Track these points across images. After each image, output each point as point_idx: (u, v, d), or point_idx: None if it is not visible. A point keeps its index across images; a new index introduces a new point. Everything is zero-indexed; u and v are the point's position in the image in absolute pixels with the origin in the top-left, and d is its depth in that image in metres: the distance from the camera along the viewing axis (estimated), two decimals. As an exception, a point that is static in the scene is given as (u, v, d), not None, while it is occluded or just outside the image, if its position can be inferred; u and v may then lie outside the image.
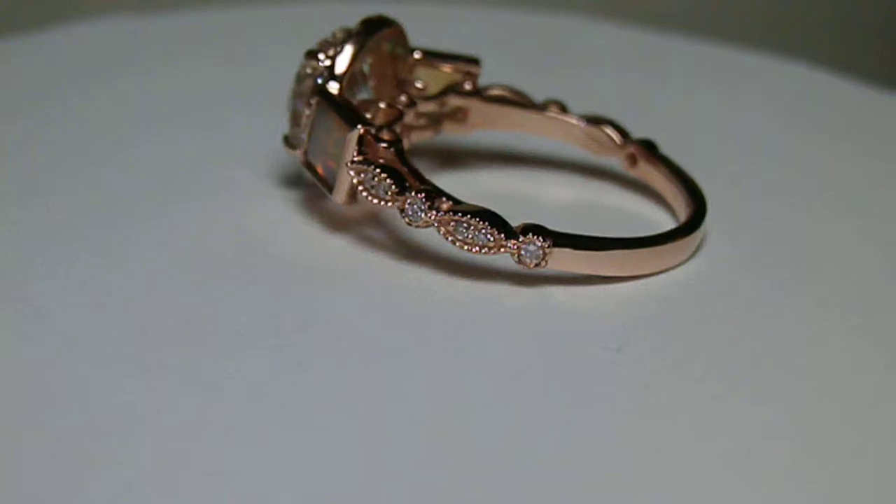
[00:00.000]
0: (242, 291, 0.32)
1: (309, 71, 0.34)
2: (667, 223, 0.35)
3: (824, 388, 0.29)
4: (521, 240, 0.31)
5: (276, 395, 0.29)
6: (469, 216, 0.31)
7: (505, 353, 0.30)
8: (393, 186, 0.32)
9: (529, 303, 0.32)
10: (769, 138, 0.40)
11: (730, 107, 0.42)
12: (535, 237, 0.31)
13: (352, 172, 0.32)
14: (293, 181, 0.36)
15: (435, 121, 0.37)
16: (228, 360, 0.29)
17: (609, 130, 0.37)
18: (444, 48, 0.37)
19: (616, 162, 0.37)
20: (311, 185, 0.35)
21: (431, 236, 0.33)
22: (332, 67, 0.34)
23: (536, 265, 0.32)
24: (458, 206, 0.32)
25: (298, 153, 0.34)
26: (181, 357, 0.29)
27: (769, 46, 0.50)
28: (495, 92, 0.37)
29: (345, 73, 0.34)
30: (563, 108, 0.38)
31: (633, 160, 0.37)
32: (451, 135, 0.38)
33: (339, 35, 0.35)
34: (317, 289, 0.32)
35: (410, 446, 0.28)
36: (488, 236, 0.31)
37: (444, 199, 0.32)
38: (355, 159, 0.32)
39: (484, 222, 0.31)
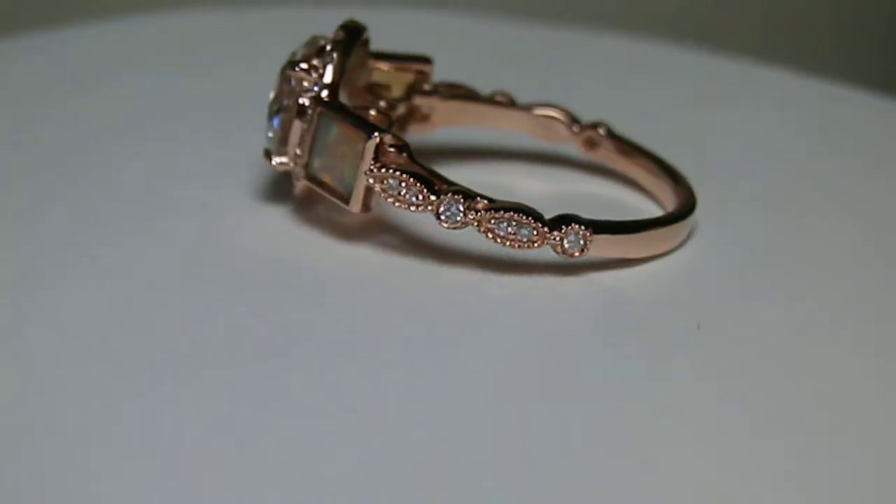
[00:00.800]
0: (261, 301, 0.31)
1: (293, 83, 0.33)
2: (641, 203, 0.36)
3: (823, 387, 0.30)
4: (563, 230, 0.31)
5: (332, 402, 0.28)
6: (511, 212, 0.31)
7: (582, 343, 0.31)
8: (425, 190, 0.31)
9: (583, 290, 0.32)
10: (764, 143, 0.41)
11: (725, 114, 0.43)
12: (577, 226, 0.31)
13: (371, 180, 0.32)
14: (276, 194, 0.35)
15: (402, 123, 0.37)
16: (256, 368, 0.29)
17: (562, 117, 0.38)
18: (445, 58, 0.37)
19: (572, 148, 0.38)
20: (297, 198, 0.34)
21: (453, 236, 0.33)
22: (323, 77, 0.33)
23: (580, 253, 0.31)
24: (494, 204, 0.31)
25: (293, 167, 0.33)
26: (198, 365, 0.28)
27: (766, 54, 0.51)
28: (450, 89, 0.38)
29: (339, 81, 0.33)
30: (512, 100, 0.38)
31: (591, 144, 0.38)
32: (416, 135, 0.37)
33: (316, 44, 0.34)
34: (351, 296, 0.31)
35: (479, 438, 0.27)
36: (532, 230, 0.31)
37: (478, 198, 0.31)
38: (373, 167, 0.31)
39: (528, 217, 0.31)
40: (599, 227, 0.32)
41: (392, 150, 0.32)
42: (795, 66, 0.48)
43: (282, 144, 0.33)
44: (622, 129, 0.37)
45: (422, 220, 0.33)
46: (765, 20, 0.72)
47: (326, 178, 0.33)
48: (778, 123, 0.42)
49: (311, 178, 0.33)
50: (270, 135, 0.34)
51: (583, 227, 0.31)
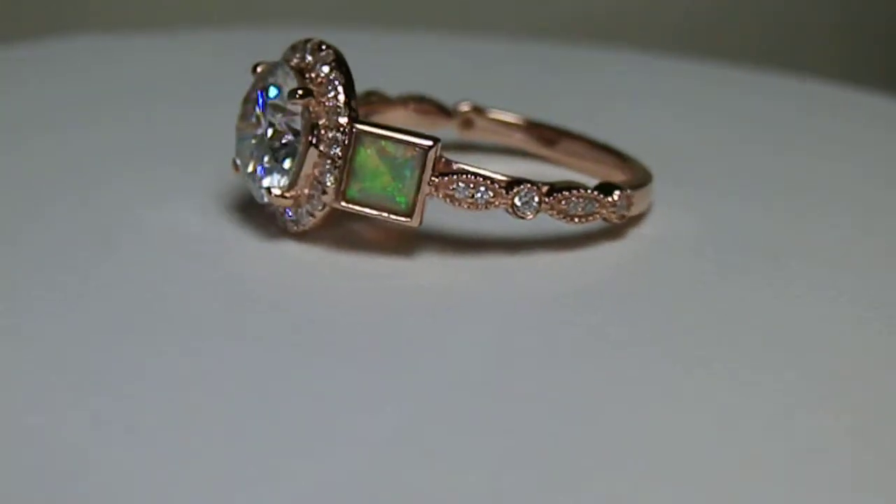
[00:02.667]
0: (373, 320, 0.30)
1: (299, 112, 0.32)
2: (577, 175, 0.38)
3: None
4: (615, 196, 0.33)
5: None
6: (579, 189, 0.32)
7: (693, 284, 0.33)
8: (496, 186, 0.32)
9: (642, 245, 0.34)
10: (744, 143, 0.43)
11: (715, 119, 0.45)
12: (625, 190, 0.33)
13: (433, 190, 0.32)
14: (269, 229, 0.34)
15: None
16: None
17: (435, 104, 0.40)
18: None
19: (449, 131, 0.40)
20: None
21: (484, 227, 0.34)
22: (338, 98, 0.32)
23: (627, 214, 0.33)
24: (554, 185, 0.32)
25: (311, 200, 0.32)
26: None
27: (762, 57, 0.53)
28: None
29: (356, 100, 0.32)
30: (386, 96, 0.39)
31: (467, 125, 0.40)
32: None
33: (294, 66, 0.33)
34: (465, 298, 0.32)
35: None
36: (595, 202, 0.32)
37: (540, 183, 0.32)
38: (434, 177, 0.31)
39: (593, 192, 0.33)
40: (631, 186, 0.34)
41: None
42: (793, 68, 0.51)
43: (293, 177, 0.32)
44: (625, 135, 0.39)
45: (439, 219, 0.33)
46: (763, 24, 0.73)
47: (371, 199, 0.32)
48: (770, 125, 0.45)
49: (352, 202, 0.32)
50: (268, 166, 0.33)
51: (627, 190, 0.33)
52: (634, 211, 0.34)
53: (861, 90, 0.49)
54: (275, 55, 0.34)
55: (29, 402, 0.27)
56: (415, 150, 0.32)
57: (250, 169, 0.33)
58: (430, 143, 0.32)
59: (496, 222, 0.33)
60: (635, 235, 0.34)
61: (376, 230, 0.33)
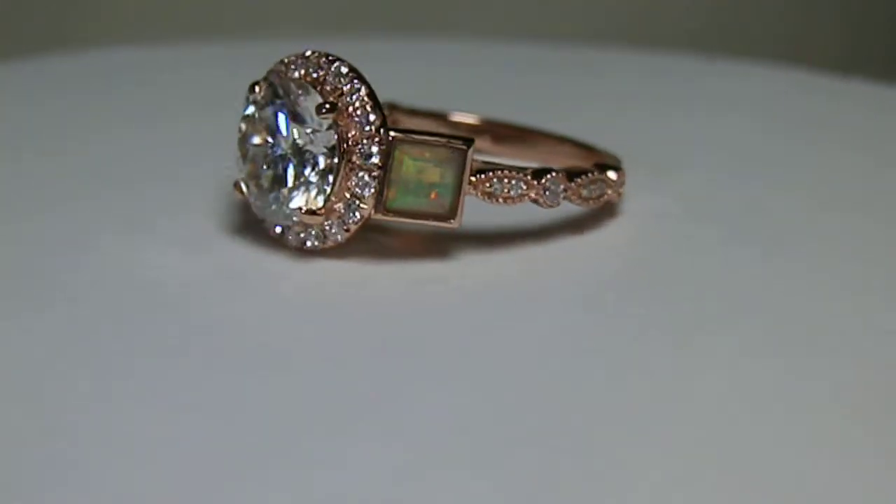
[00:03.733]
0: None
1: (321, 125, 0.32)
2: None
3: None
4: (616, 176, 0.34)
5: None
6: (592, 173, 0.34)
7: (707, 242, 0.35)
8: (528, 178, 0.32)
9: (648, 218, 0.36)
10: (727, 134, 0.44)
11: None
12: (620, 171, 0.35)
13: (472, 189, 0.32)
14: (284, 249, 0.33)
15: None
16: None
17: None
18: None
19: None
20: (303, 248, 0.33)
21: (500, 220, 0.34)
22: (367, 108, 0.32)
23: (620, 192, 0.35)
24: (568, 170, 0.33)
25: (348, 216, 0.32)
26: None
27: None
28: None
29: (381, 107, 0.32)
30: None
31: (396, 124, 0.40)
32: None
33: (302, 79, 0.32)
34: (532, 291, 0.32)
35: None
36: (605, 184, 0.34)
37: (557, 171, 0.33)
38: (472, 177, 0.32)
39: (604, 172, 0.34)
40: (616, 166, 0.35)
41: None
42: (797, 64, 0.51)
43: (328, 193, 0.32)
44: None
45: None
46: (761, 23, 0.70)
47: (412, 206, 0.32)
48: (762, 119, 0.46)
49: (392, 211, 0.32)
50: (292, 185, 0.32)
51: (621, 171, 0.35)
52: (623, 189, 0.36)
53: (859, 80, 0.50)
54: (248, 68, 0.34)
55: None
56: (452, 152, 0.32)
57: (266, 189, 0.32)
58: (466, 143, 0.32)
59: (504, 215, 0.34)
60: (627, 212, 0.36)
61: (401, 238, 0.33)
